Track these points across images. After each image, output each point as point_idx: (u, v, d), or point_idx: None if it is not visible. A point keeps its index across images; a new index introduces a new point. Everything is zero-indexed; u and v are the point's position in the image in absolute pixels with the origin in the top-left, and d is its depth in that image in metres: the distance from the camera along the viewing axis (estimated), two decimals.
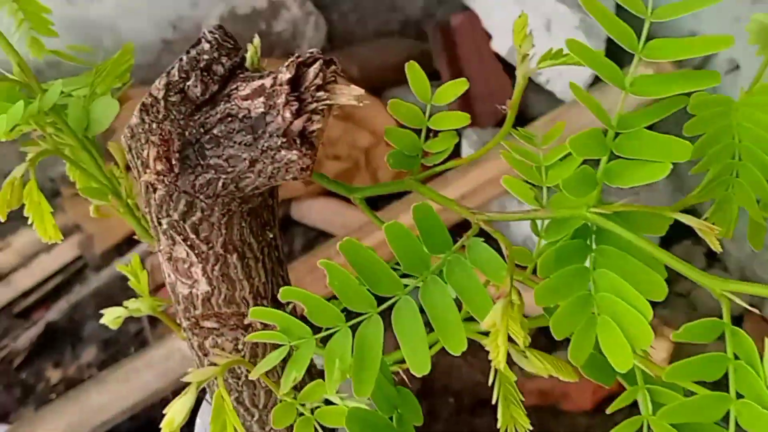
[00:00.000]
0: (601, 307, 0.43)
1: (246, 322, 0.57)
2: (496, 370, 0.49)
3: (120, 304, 0.69)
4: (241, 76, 0.50)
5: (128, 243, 1.74)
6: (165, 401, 1.58)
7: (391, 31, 1.99)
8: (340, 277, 0.43)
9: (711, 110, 0.48)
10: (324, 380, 0.54)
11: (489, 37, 1.82)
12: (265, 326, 0.57)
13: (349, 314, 0.46)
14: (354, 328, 0.44)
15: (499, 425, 0.49)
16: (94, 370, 1.61)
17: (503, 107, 0.46)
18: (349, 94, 0.47)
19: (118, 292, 1.67)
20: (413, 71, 0.52)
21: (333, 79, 0.48)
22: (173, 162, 0.49)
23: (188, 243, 0.53)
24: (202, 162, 0.49)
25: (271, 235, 0.57)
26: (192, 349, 0.60)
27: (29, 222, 0.56)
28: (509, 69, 1.80)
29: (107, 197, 0.59)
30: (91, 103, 0.61)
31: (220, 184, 0.50)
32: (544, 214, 0.45)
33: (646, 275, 0.44)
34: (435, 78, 1.84)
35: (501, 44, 1.79)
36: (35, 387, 1.61)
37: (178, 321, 0.59)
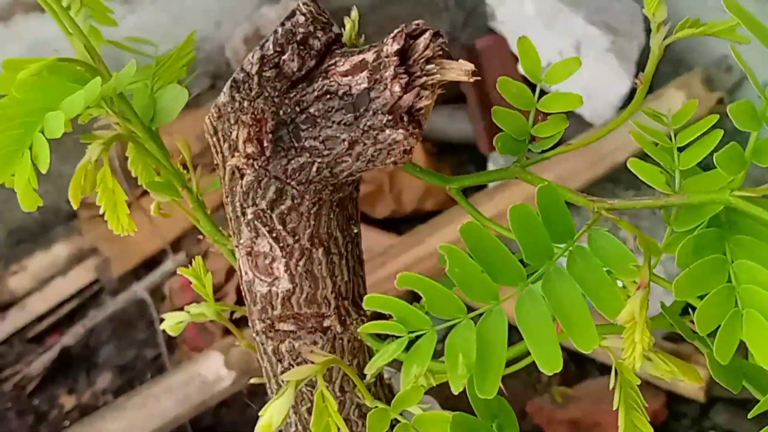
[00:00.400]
0: (744, 300, 0.40)
1: (325, 324, 0.53)
2: (616, 372, 0.45)
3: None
4: (338, 51, 0.46)
5: (146, 266, 1.70)
6: (182, 429, 1.52)
7: None
8: (462, 263, 0.39)
9: None
10: (409, 387, 0.50)
11: (516, 59, 1.80)
12: (344, 329, 0.53)
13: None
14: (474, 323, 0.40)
15: None
16: (109, 397, 1.56)
17: (637, 80, 0.42)
18: (459, 69, 0.44)
19: (135, 316, 1.62)
20: (524, 45, 0.48)
21: (440, 52, 0.45)
22: (265, 144, 0.46)
23: (273, 235, 0.49)
24: (296, 144, 0.46)
25: (356, 230, 0.53)
26: (264, 354, 0.55)
27: (101, 211, 0.51)
28: None
29: (176, 191, 0.55)
30: (158, 91, 0.58)
31: (314, 168, 0.46)
32: (679, 199, 0.41)
33: None
34: (461, 101, 1.81)
35: None
36: (48, 414, 1.55)
37: (250, 324, 0.55)
